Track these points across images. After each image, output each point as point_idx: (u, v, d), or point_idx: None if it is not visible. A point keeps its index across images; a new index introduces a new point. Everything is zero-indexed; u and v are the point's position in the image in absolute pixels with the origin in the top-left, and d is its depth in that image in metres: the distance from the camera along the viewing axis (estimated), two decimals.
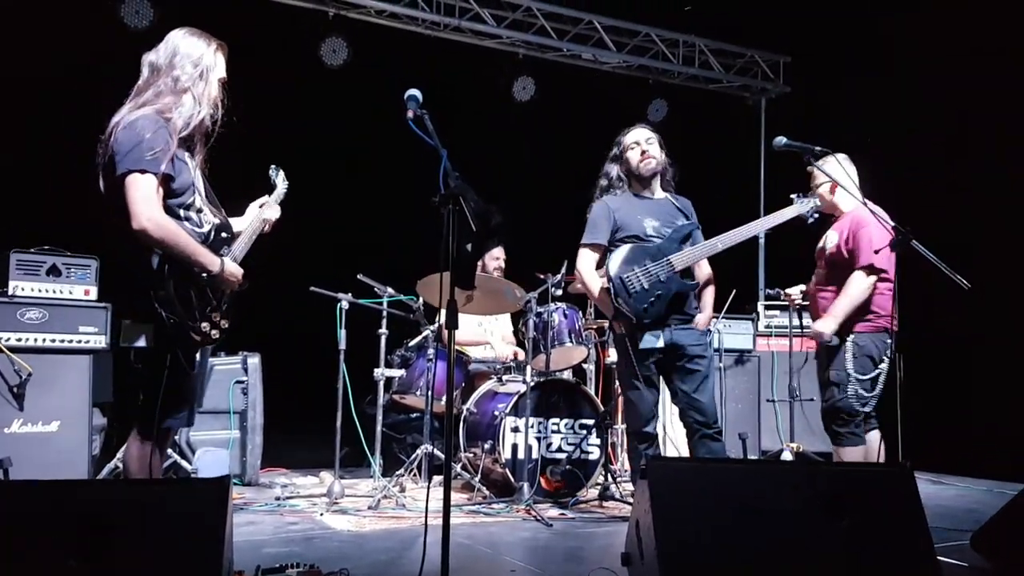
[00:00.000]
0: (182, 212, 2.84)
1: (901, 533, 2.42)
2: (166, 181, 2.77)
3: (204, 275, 2.81)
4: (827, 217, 4.10)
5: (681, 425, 3.98)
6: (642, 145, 4.05)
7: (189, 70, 2.86)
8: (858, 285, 3.86)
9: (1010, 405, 3.98)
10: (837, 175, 3.87)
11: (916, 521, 2.44)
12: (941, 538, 3.49)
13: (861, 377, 3.86)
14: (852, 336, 3.89)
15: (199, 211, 2.90)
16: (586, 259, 4.03)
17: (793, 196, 4.00)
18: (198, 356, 2.86)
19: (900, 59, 6.42)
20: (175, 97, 2.83)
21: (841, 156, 4.01)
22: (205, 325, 2.81)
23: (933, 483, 5.47)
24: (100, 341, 4.41)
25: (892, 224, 3.48)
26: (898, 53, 6.43)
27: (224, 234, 2.96)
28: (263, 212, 3.22)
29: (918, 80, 6.28)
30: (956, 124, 5.95)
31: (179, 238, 2.75)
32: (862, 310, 3.90)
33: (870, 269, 3.84)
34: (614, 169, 4.11)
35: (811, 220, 3.97)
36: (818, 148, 3.44)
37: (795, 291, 4.42)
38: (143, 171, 2.70)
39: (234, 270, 2.92)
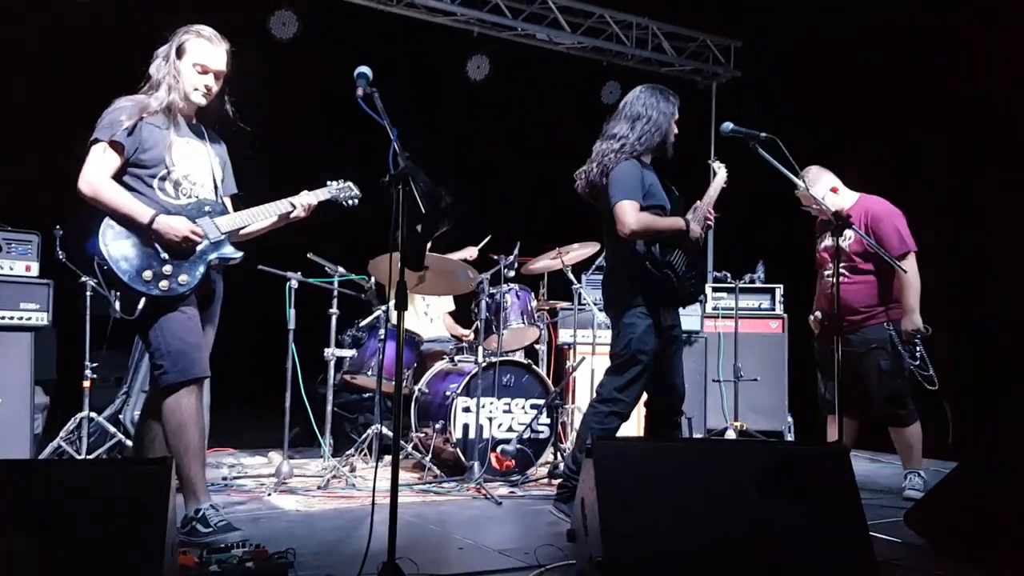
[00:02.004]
0: (155, 183, 3.12)
1: (836, 510, 2.51)
2: (124, 151, 3.03)
3: (142, 227, 3.00)
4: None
5: None
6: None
7: (159, 61, 3.16)
8: (914, 271, 4.14)
9: (945, 386, 4.14)
10: (822, 183, 4.25)
11: (851, 499, 2.53)
12: (877, 515, 3.62)
13: (914, 361, 4.16)
14: (890, 325, 4.19)
15: (176, 185, 3.14)
16: (635, 207, 3.49)
17: (710, 162, 3.93)
18: (142, 304, 2.98)
19: (849, 44, 6.54)
20: (155, 85, 3.14)
21: (813, 169, 4.32)
22: (148, 274, 2.99)
23: (871, 461, 5.64)
24: (42, 318, 4.32)
25: (833, 210, 3.57)
26: (846, 38, 6.54)
27: (207, 208, 3.18)
28: (294, 197, 3.36)
29: (866, 64, 6.41)
30: (907, 110, 6.09)
31: (105, 194, 2.99)
32: (892, 297, 4.21)
33: (909, 253, 4.14)
34: (658, 139, 3.66)
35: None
36: (763, 134, 3.49)
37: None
38: (96, 141, 3.03)
39: (170, 222, 3.04)
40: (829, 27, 6.61)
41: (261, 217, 3.28)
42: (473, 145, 7.19)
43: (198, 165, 3.22)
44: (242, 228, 3.27)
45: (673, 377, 3.72)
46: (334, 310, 4.65)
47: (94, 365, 4.45)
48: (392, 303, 2.68)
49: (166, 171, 3.11)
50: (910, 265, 4.14)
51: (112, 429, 4.51)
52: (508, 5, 7.18)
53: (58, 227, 4.36)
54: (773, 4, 6.89)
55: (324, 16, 6.56)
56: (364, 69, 2.69)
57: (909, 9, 6.06)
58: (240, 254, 3.24)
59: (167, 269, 3.03)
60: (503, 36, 7.36)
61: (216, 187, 3.26)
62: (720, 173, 3.90)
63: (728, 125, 3.56)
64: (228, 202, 3.34)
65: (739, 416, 5.99)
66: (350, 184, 3.54)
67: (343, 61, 3.06)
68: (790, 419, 6.29)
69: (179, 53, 3.13)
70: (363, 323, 5.24)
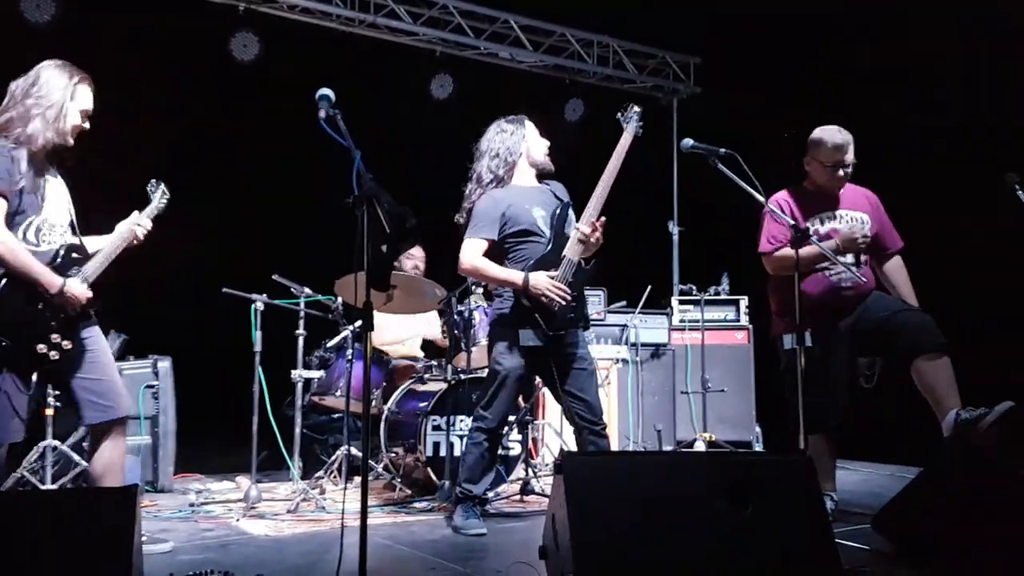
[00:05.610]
0: (18, 232, 2.94)
1: (801, 519, 2.54)
2: (11, 204, 2.88)
3: (45, 295, 2.87)
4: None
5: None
6: (545, 139, 4.06)
7: (43, 102, 2.98)
8: None
9: (911, 391, 4.18)
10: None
11: (815, 507, 2.56)
12: (845, 522, 3.66)
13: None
14: None
15: (38, 231, 2.99)
16: (476, 247, 3.84)
17: (619, 116, 3.97)
18: (35, 377, 2.91)
19: (807, 58, 6.66)
20: (23, 123, 2.94)
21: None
22: (42, 347, 2.87)
23: (838, 468, 5.70)
24: None
25: (791, 222, 3.62)
26: (804, 53, 6.67)
27: (75, 255, 3.04)
28: (131, 227, 3.25)
29: (825, 77, 6.53)
30: (867, 123, 6.21)
31: (17, 255, 2.85)
32: None
33: None
34: (506, 161, 3.95)
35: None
36: (723, 150, 3.53)
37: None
38: None
39: (76, 290, 2.96)
40: (787, 42, 6.73)
41: (110, 256, 3.17)
42: (437, 163, 7.19)
43: (59, 206, 3.10)
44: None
45: (585, 393, 3.82)
46: (301, 331, 4.62)
47: (56, 393, 4.36)
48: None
49: (32, 218, 2.98)
50: None
51: (76, 458, 4.42)
52: (470, 25, 7.23)
53: None
54: (731, 21, 7.01)
55: (285, 38, 6.55)
56: (326, 91, 2.68)
57: (870, 21, 6.20)
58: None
59: (55, 336, 2.92)
60: (466, 55, 7.40)
61: (73, 226, 3.15)
62: (627, 131, 3.91)
63: (688, 142, 3.61)
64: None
65: (708, 427, 6.04)
66: (163, 188, 3.42)
67: (305, 83, 3.06)
68: (758, 429, 6.35)
69: (72, 95, 3.03)
70: (330, 343, 5.20)
